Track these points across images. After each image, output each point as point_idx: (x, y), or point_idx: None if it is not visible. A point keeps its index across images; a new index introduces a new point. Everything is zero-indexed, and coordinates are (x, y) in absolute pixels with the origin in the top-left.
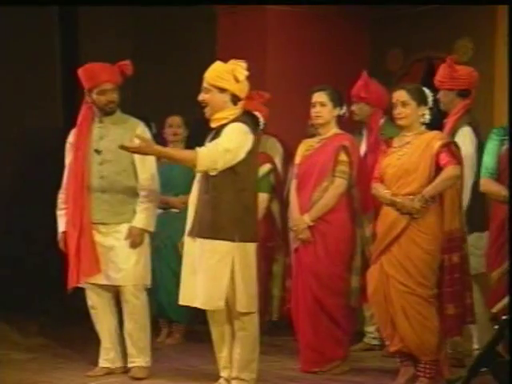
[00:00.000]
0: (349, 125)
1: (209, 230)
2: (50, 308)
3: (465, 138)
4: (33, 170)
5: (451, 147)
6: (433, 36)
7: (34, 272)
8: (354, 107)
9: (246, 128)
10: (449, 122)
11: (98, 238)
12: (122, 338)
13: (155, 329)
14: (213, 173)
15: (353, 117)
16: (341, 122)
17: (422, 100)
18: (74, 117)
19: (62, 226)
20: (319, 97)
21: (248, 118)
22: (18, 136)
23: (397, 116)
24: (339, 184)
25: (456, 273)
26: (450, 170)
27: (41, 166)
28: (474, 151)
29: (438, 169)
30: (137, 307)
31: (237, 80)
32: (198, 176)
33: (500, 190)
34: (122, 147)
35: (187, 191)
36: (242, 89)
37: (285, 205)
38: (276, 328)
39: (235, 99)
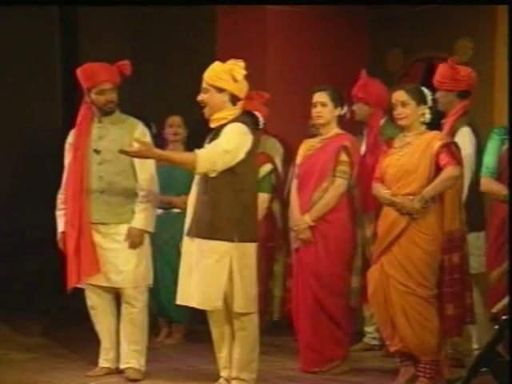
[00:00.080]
0: (351, 125)
1: (207, 230)
2: (49, 308)
3: (464, 139)
4: (32, 170)
5: (451, 147)
6: (433, 36)
7: (33, 272)
8: (354, 107)
9: (245, 128)
10: (448, 123)
11: (98, 239)
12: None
13: (155, 328)
14: (212, 174)
15: (354, 117)
16: (342, 122)
17: (421, 99)
18: (74, 117)
19: (61, 226)
20: (320, 97)
21: (247, 118)
22: (17, 136)
23: (397, 116)
24: (340, 184)
25: (456, 273)
26: (449, 171)
27: (41, 165)
28: (473, 152)
29: (438, 169)
30: (136, 309)
31: (235, 80)
32: (197, 177)
33: (500, 190)
34: (122, 151)
35: (189, 191)
36: (241, 88)
37: (285, 205)
38: (276, 328)
39: (234, 99)
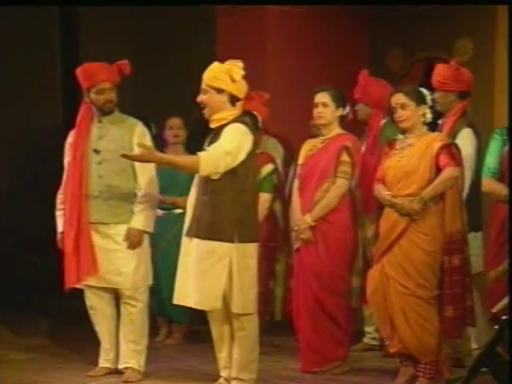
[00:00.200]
0: (354, 125)
1: (207, 230)
2: (49, 308)
3: (466, 140)
4: (33, 169)
5: (451, 148)
6: (433, 36)
7: (33, 272)
8: (357, 107)
9: (245, 128)
10: (447, 123)
11: (97, 240)
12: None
13: (154, 328)
14: (215, 177)
15: (357, 116)
16: (344, 122)
17: (420, 100)
18: (74, 117)
19: (60, 226)
20: (322, 97)
21: (247, 118)
22: (18, 136)
23: (398, 119)
24: (341, 184)
25: (456, 275)
26: (448, 171)
27: (41, 165)
28: (474, 153)
29: (439, 170)
30: (136, 309)
31: (233, 80)
32: (197, 178)
33: (501, 190)
34: (124, 156)
35: None
36: (240, 89)
37: (287, 205)
38: (276, 328)
39: (233, 99)
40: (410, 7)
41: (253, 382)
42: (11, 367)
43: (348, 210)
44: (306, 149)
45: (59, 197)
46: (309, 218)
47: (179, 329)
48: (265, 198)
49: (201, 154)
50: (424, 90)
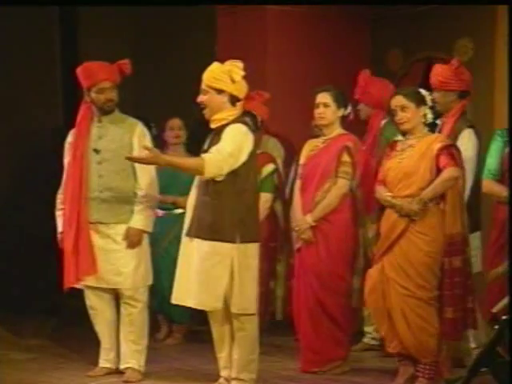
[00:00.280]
0: (355, 125)
1: (208, 231)
2: (49, 308)
3: (468, 141)
4: (33, 169)
5: (451, 149)
6: (433, 36)
7: (33, 272)
8: (358, 107)
9: (245, 129)
10: (447, 123)
11: (97, 240)
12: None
13: (155, 327)
14: (219, 179)
15: (359, 116)
16: (345, 122)
17: (420, 101)
18: (74, 117)
19: (60, 226)
20: (323, 98)
21: (247, 118)
22: (17, 136)
23: (398, 121)
24: (342, 185)
25: (457, 277)
26: (448, 172)
27: (41, 165)
28: (476, 154)
29: (439, 171)
30: (136, 310)
31: (233, 80)
32: (197, 178)
33: (501, 191)
34: (130, 158)
35: None
36: (240, 89)
37: (287, 205)
38: (276, 328)
39: (233, 100)
40: (410, 7)
41: (253, 382)
42: (11, 367)
43: (349, 210)
44: (308, 149)
45: (59, 197)
46: (310, 218)
47: (179, 329)
48: (265, 198)
49: (205, 157)
50: (423, 91)
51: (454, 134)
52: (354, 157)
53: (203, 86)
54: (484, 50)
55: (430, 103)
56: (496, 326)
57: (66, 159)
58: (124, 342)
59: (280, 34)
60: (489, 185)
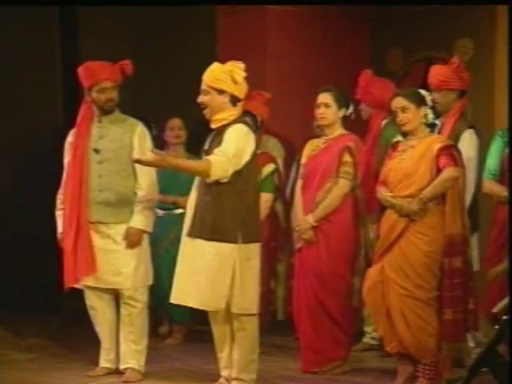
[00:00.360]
0: (358, 125)
1: (211, 231)
2: (50, 308)
3: (470, 142)
4: (33, 169)
5: (451, 150)
6: (433, 36)
7: (33, 272)
8: (360, 107)
9: (247, 129)
10: (447, 124)
11: (97, 240)
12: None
13: (155, 325)
14: (224, 180)
15: (361, 116)
16: (347, 122)
17: (420, 101)
18: (74, 117)
19: (60, 226)
20: (324, 98)
21: (248, 118)
22: (17, 136)
23: (399, 123)
24: (343, 185)
25: (457, 278)
26: (448, 172)
27: (41, 165)
28: (477, 154)
29: (439, 172)
30: (136, 310)
31: (235, 81)
32: (197, 179)
33: (501, 191)
34: (137, 161)
35: None
36: (241, 89)
37: (288, 205)
38: (276, 328)
39: (234, 100)
40: (410, 7)
41: (253, 382)
42: (12, 367)
43: (350, 210)
44: (309, 149)
45: (59, 197)
46: (311, 218)
47: (180, 329)
48: (266, 198)
49: (211, 159)
50: (423, 91)
51: (455, 135)
52: (356, 157)
53: (204, 87)
54: (484, 50)
55: (430, 103)
56: (496, 326)
57: (66, 159)
58: (124, 342)
59: (280, 34)
60: (489, 185)
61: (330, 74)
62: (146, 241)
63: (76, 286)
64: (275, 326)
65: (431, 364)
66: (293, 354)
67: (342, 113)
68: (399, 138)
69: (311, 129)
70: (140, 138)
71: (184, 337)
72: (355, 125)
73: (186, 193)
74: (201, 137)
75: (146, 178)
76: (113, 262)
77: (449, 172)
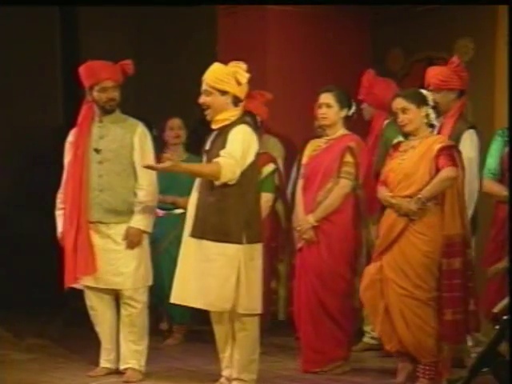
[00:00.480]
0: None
1: (215, 232)
2: (50, 308)
3: (471, 143)
4: (33, 169)
5: (451, 150)
6: (433, 36)
7: (33, 272)
8: (362, 107)
9: (249, 129)
10: (447, 124)
11: (97, 240)
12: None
13: (155, 325)
14: (232, 182)
15: (364, 116)
16: (349, 122)
17: (420, 101)
18: (75, 116)
19: (60, 225)
20: (325, 98)
21: (248, 118)
22: (17, 136)
23: (401, 124)
24: (344, 185)
25: (456, 278)
26: (446, 172)
27: (41, 165)
28: (477, 155)
29: (439, 172)
30: (136, 310)
31: (239, 83)
32: (198, 180)
33: (501, 191)
34: (148, 166)
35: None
36: (243, 90)
37: (289, 205)
38: (276, 328)
39: (236, 101)
40: (410, 7)
41: (253, 382)
42: (12, 367)
43: (351, 210)
44: (310, 149)
45: (59, 196)
46: (311, 218)
47: (180, 329)
48: (267, 198)
49: (221, 162)
50: (424, 92)
51: (455, 135)
52: (357, 157)
53: (205, 87)
54: (484, 50)
55: (431, 103)
56: (497, 326)
57: (67, 159)
58: (124, 343)
59: (281, 34)
60: (489, 184)
61: (331, 74)
62: (146, 241)
63: (76, 286)
64: (276, 326)
65: (431, 364)
66: (293, 353)
67: (343, 113)
68: (400, 138)
69: (312, 129)
70: (140, 139)
71: (184, 337)
72: (357, 125)
73: (186, 193)
74: (201, 136)
75: (146, 179)
76: (113, 262)
77: (447, 172)
